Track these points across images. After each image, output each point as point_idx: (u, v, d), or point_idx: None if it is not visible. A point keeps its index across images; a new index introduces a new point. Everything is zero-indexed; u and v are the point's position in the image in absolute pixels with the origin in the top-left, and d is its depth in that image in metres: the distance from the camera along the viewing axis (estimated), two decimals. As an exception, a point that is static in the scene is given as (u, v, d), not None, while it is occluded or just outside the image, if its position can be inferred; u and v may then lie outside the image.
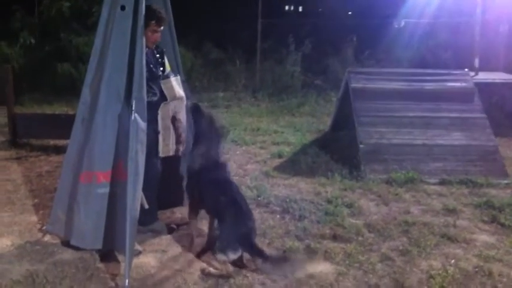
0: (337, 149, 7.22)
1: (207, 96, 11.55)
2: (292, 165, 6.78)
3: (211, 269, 3.96)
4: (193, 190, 4.34)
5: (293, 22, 16.89)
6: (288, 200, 5.43)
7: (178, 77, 4.69)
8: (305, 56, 13.05)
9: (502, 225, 4.95)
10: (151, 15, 4.16)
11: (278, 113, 10.37)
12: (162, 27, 4.37)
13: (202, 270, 3.97)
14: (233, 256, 3.88)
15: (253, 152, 7.50)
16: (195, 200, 4.34)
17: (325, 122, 8.92)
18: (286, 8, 21.81)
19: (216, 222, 4.16)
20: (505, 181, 6.18)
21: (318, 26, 15.28)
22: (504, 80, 9.44)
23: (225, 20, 15.80)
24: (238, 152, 7.42)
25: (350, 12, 18.03)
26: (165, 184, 4.70)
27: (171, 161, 4.71)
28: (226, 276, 3.86)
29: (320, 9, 19.18)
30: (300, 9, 21.43)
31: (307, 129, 8.85)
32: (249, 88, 12.37)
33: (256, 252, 3.90)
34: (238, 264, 4.00)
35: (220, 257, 3.87)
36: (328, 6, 17.91)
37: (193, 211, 4.40)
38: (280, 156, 7.17)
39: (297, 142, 7.89)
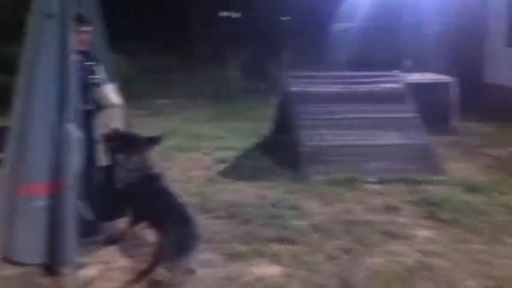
0: (280, 153, 7.27)
1: (146, 104, 11.39)
2: (236, 170, 6.80)
3: (157, 278, 3.89)
4: (129, 202, 4.28)
5: (232, 28, 16.94)
6: (232, 204, 5.44)
7: (114, 85, 4.60)
8: (244, 61, 13.12)
9: (440, 220, 5.14)
10: (75, 17, 4.05)
11: (220, 118, 10.37)
12: (88, 27, 4.27)
13: (149, 280, 3.90)
14: (179, 263, 3.82)
15: (197, 158, 7.46)
16: (132, 212, 4.29)
17: (267, 126, 8.96)
18: (225, 13, 21.86)
19: (159, 231, 4.08)
20: (442, 177, 6.42)
21: (257, 31, 15.40)
22: (434, 80, 9.82)
23: (165, 26, 15.66)
24: (181, 159, 7.35)
25: (288, 18, 18.26)
26: (110, 194, 4.60)
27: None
28: (174, 285, 3.81)
29: (259, 15, 19.33)
30: (239, 15, 21.53)
31: (249, 133, 8.88)
32: (189, 94, 12.29)
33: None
34: (186, 271, 3.95)
35: (168, 264, 3.81)
36: (266, 12, 18.08)
37: (133, 223, 4.34)
38: (223, 161, 7.16)
39: (240, 147, 7.91)
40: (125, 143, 4.31)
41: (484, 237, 4.77)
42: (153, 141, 4.44)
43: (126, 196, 4.30)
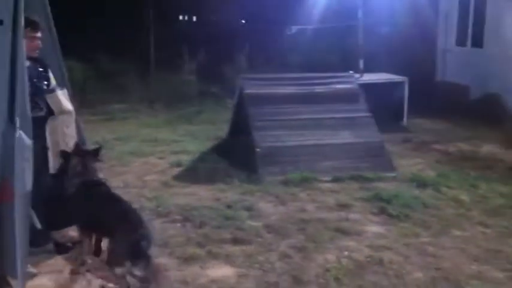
0: (236, 155, 7.31)
1: (102, 109, 11.25)
2: (192, 173, 6.80)
3: (110, 285, 3.89)
4: (78, 211, 4.27)
5: (187, 31, 16.92)
6: (188, 208, 5.45)
7: (65, 90, 4.57)
8: (200, 65, 13.12)
9: (390, 215, 5.31)
10: (25, 22, 4.00)
11: (176, 122, 10.33)
12: (39, 33, 4.23)
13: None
14: (131, 267, 3.77)
15: (152, 162, 7.42)
16: (82, 220, 4.28)
17: (223, 129, 8.99)
18: (180, 17, 21.79)
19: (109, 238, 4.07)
20: (392, 174, 6.61)
21: (212, 35, 15.43)
22: (387, 80, 10.07)
23: (118, 31, 15.49)
24: (136, 164, 7.31)
25: (243, 21, 18.36)
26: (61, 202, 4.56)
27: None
28: None
29: (214, 18, 19.37)
30: (194, 18, 21.51)
31: (205, 137, 8.90)
32: (145, 99, 12.19)
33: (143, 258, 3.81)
34: (139, 276, 3.95)
35: (118, 270, 3.80)
36: (221, 15, 18.14)
37: (85, 231, 4.32)
38: (179, 165, 7.16)
39: (196, 150, 7.92)
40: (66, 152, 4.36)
41: (432, 231, 4.96)
42: (95, 151, 4.48)
43: (70, 205, 4.30)
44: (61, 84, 4.62)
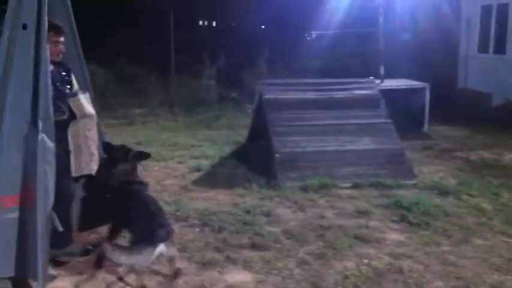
0: (254, 160, 7.31)
1: (122, 113, 11.37)
2: (211, 178, 6.81)
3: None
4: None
5: (207, 36, 17.01)
6: (206, 212, 5.45)
7: (87, 94, 4.61)
8: (220, 70, 13.17)
9: (410, 223, 5.24)
10: (49, 27, 4.05)
11: (195, 127, 10.38)
12: (62, 38, 4.28)
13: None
14: (150, 255, 3.82)
15: (171, 167, 7.46)
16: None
17: (242, 134, 9.02)
18: (200, 23, 21.93)
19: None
20: (412, 182, 6.54)
21: (232, 40, 15.51)
22: (408, 86, 9.99)
23: (139, 36, 15.65)
24: (156, 168, 7.34)
25: (263, 26, 18.41)
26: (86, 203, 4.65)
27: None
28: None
29: (233, 24, 19.46)
30: (214, 24, 21.62)
31: (224, 141, 8.92)
32: (165, 103, 12.29)
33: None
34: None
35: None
36: (241, 21, 18.21)
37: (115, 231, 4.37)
38: (198, 170, 7.18)
39: (215, 155, 7.94)
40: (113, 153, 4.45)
41: (453, 239, 4.88)
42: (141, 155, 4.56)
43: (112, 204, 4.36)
44: (83, 88, 4.66)
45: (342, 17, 13.67)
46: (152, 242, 3.80)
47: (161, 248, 3.83)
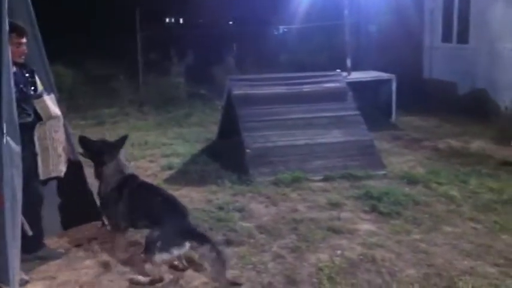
0: (226, 156, 7.31)
1: (92, 114, 11.20)
2: (183, 176, 6.78)
3: (140, 277, 3.99)
4: (114, 205, 4.36)
5: (175, 34, 16.90)
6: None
7: (53, 95, 4.54)
8: (188, 67, 13.10)
9: (381, 213, 5.32)
10: (11, 28, 3.96)
11: (166, 125, 10.31)
12: (24, 39, 4.21)
13: (131, 280, 3.98)
14: (176, 251, 3.92)
15: (143, 166, 7.39)
16: (117, 214, 4.37)
17: (213, 131, 9.00)
18: (167, 20, 21.74)
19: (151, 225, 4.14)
20: (382, 172, 6.63)
21: (200, 37, 15.43)
22: (374, 78, 10.10)
23: (105, 35, 15.45)
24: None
25: (230, 22, 18.37)
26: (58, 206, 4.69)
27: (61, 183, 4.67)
28: (158, 281, 3.93)
29: (201, 20, 19.36)
30: (181, 21, 21.46)
31: (195, 139, 8.88)
32: (135, 102, 12.16)
33: (205, 238, 3.98)
34: (172, 265, 4.11)
35: (159, 256, 3.88)
36: (208, 17, 18.14)
37: (117, 226, 4.44)
38: (170, 168, 7.14)
39: (186, 152, 7.90)
40: (98, 151, 4.50)
41: (423, 227, 4.98)
42: (121, 143, 4.61)
43: (109, 202, 4.40)
44: (48, 90, 4.59)
45: (308, 11, 13.73)
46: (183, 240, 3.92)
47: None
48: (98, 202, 4.71)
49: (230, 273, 3.97)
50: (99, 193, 4.57)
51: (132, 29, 13.09)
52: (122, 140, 4.63)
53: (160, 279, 3.96)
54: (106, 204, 4.49)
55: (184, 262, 4.18)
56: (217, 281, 3.86)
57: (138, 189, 4.42)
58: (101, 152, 4.50)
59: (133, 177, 4.55)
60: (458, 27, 11.62)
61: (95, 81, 13.62)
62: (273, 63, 13.53)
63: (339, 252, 4.45)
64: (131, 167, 5.05)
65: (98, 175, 4.54)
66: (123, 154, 4.63)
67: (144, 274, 4.07)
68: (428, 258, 4.34)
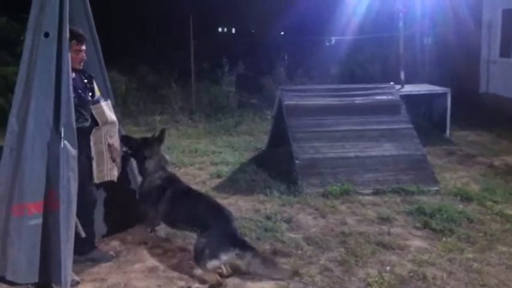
0: (275, 166, 7.30)
1: (143, 120, 11.44)
2: (231, 184, 6.80)
3: (196, 285, 4.05)
4: (154, 203, 4.48)
5: (226, 43, 17.08)
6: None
7: (109, 102, 4.66)
8: (239, 76, 13.19)
9: (433, 230, 5.18)
10: (71, 35, 4.08)
11: (215, 133, 10.40)
12: (84, 46, 4.33)
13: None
14: (225, 257, 3.97)
15: (192, 173, 7.47)
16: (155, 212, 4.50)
17: (262, 140, 9.01)
18: (220, 29, 22.03)
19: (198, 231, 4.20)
20: (435, 188, 6.45)
21: (251, 46, 15.54)
22: (429, 91, 9.88)
23: (159, 43, 15.76)
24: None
25: (282, 32, 18.42)
26: (107, 210, 4.77)
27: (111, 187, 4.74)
28: (218, 285, 3.99)
29: (253, 30, 19.51)
30: (233, 30, 21.69)
31: (244, 148, 8.91)
32: (186, 110, 12.33)
33: (247, 246, 4.05)
34: (219, 272, 4.13)
35: (211, 263, 3.95)
36: (260, 27, 18.25)
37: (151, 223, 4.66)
38: (219, 176, 7.18)
39: (235, 161, 7.93)
40: (139, 146, 4.67)
41: (477, 246, 4.81)
42: (160, 137, 4.74)
43: (150, 199, 4.53)
44: (105, 96, 4.71)
45: (360, 22, 13.62)
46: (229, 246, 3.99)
47: None
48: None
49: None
50: (140, 188, 4.67)
51: (186, 37, 13.30)
52: (161, 135, 4.75)
53: (219, 284, 4.00)
54: (145, 200, 4.59)
55: (228, 268, 4.19)
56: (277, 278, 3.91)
57: (181, 192, 4.51)
58: (141, 148, 4.64)
59: (176, 180, 4.67)
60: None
61: (148, 88, 13.89)
62: (323, 74, 13.45)
63: (388, 268, 4.36)
64: (170, 162, 5.19)
65: (141, 171, 4.66)
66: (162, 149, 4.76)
67: (196, 280, 4.13)
68: (482, 278, 4.19)
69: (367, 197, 6.20)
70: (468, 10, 12.70)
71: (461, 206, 5.83)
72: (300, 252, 4.69)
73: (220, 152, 8.63)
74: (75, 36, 4.22)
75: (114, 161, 4.60)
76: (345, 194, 6.22)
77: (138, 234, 5.09)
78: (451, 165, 7.74)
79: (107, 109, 4.58)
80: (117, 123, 4.67)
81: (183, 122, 11.56)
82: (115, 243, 4.91)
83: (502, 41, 11.87)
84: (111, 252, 4.66)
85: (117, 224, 5.07)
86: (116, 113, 4.75)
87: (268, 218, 5.51)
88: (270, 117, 8.79)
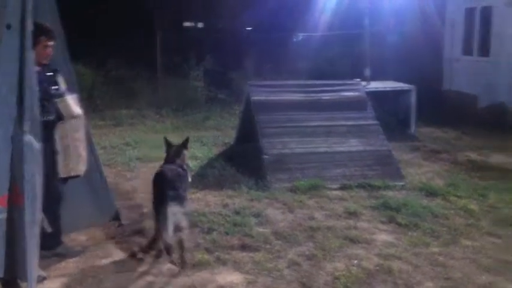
0: (243, 161, 7.29)
1: (110, 114, 11.29)
2: (200, 179, 6.77)
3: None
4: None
5: (194, 37, 16.95)
6: (196, 214, 5.43)
7: (75, 95, 4.57)
8: (207, 71, 13.13)
9: (399, 224, 5.27)
10: (41, 30, 4.01)
11: (183, 128, 10.34)
12: (52, 42, 4.25)
13: None
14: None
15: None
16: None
17: (231, 135, 9.00)
18: (188, 24, 21.81)
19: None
20: (400, 183, 6.57)
21: (219, 41, 15.46)
22: (394, 88, 10.04)
23: (126, 36, 15.49)
24: (144, 170, 7.28)
25: (250, 28, 18.38)
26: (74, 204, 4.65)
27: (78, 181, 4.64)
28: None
29: (221, 25, 19.39)
30: (200, 25, 21.52)
31: (213, 143, 8.89)
32: (153, 104, 12.21)
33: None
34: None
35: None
36: (228, 22, 18.16)
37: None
38: (187, 171, 7.13)
39: (204, 156, 7.90)
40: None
41: (441, 240, 4.92)
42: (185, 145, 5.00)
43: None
44: (71, 89, 4.62)
45: (328, 19, 13.71)
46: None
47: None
48: None
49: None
50: None
51: (153, 31, 13.17)
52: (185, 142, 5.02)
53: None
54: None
55: None
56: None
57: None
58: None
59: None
60: (479, 40, 11.53)
61: (115, 82, 13.68)
62: (291, 70, 13.50)
63: (355, 262, 4.42)
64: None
65: None
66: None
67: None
68: (446, 271, 4.28)
69: (334, 192, 6.27)
70: (433, 8, 12.93)
71: (426, 201, 5.97)
72: (268, 246, 4.70)
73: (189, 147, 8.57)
74: (45, 32, 4.14)
75: (80, 155, 4.52)
76: (313, 189, 6.27)
77: (105, 229, 5.03)
78: (416, 161, 7.90)
79: (73, 103, 4.49)
80: (83, 117, 4.58)
81: (150, 116, 11.45)
82: (82, 238, 4.84)
83: (465, 39, 12.12)
84: (78, 248, 4.59)
85: (87, 220, 4.99)
86: (80, 107, 4.66)
87: (236, 212, 5.51)
88: (238, 112, 8.78)
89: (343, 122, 7.33)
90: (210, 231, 5.02)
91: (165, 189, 4.21)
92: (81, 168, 4.56)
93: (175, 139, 9.03)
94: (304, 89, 7.94)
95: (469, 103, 11.07)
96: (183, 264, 4.22)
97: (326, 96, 7.75)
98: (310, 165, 6.70)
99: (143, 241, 4.73)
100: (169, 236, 4.04)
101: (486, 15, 11.26)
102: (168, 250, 4.14)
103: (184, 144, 4.98)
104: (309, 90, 7.90)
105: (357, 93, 7.96)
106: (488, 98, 10.62)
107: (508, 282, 4.12)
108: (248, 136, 7.95)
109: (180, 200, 4.18)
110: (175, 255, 4.24)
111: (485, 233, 5.11)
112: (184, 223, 4.18)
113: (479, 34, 11.55)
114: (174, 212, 4.05)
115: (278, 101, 7.52)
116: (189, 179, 4.88)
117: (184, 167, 4.83)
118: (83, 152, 4.54)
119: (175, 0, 16.40)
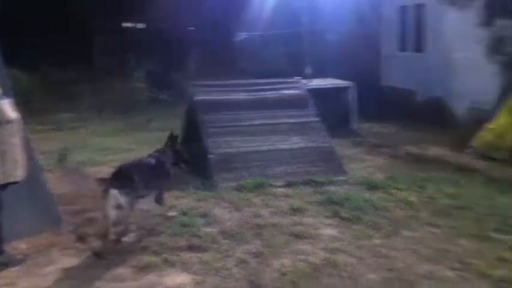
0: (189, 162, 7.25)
1: (50, 119, 10.98)
2: (146, 182, 6.69)
3: None
4: None
5: (135, 38, 16.73)
6: (143, 215, 5.37)
7: (10, 100, 4.43)
8: (149, 72, 12.98)
9: (343, 218, 5.40)
10: None
11: (127, 130, 10.20)
12: None
13: None
14: None
15: (104, 172, 7.22)
16: None
17: (175, 136, 8.92)
18: (128, 25, 21.46)
19: None
20: (343, 178, 6.73)
21: (160, 42, 15.33)
22: (334, 85, 10.23)
23: (67, 39, 15.12)
24: (88, 174, 7.15)
25: (192, 28, 18.31)
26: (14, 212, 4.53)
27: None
28: None
29: (161, 26, 19.20)
30: (141, 25, 21.24)
31: (157, 144, 8.74)
32: (94, 108, 11.97)
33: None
34: None
35: None
36: (169, 23, 18.01)
37: None
38: (132, 173, 7.03)
39: (148, 158, 7.79)
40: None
41: (383, 232, 5.07)
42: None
43: None
44: (5, 94, 4.48)
45: (269, 19, 13.84)
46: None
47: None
48: None
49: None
50: None
51: (92, 33, 12.90)
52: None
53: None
54: None
55: None
56: None
57: None
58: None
59: None
60: (414, 37, 11.91)
61: (52, 85, 13.32)
62: (232, 69, 13.56)
63: (302, 257, 4.49)
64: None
65: None
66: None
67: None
68: (389, 262, 4.42)
69: (279, 189, 6.35)
70: (369, 7, 13.25)
71: (367, 194, 6.13)
72: (216, 246, 4.72)
73: (133, 150, 8.45)
74: None
75: (17, 161, 4.38)
76: (259, 187, 6.33)
77: (48, 236, 4.91)
78: (359, 156, 8.10)
79: (8, 107, 4.36)
80: (19, 121, 4.45)
81: (91, 120, 11.22)
82: (23, 247, 4.70)
83: (400, 36, 12.48)
84: (20, 256, 4.46)
85: (28, 227, 4.85)
86: (16, 111, 4.52)
87: (184, 213, 5.51)
88: (182, 113, 8.72)
89: (285, 120, 7.43)
90: (157, 233, 4.99)
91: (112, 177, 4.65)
92: (19, 174, 4.43)
93: (119, 142, 9.03)
94: (247, 88, 7.99)
95: (407, 98, 11.41)
96: (100, 253, 4.44)
97: (268, 95, 7.84)
98: (255, 164, 6.76)
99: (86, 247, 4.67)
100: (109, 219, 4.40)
101: (419, 12, 11.64)
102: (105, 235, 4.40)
103: (170, 140, 5.75)
104: (251, 89, 7.95)
105: (298, 91, 8.08)
106: (425, 93, 10.99)
107: (448, 270, 4.28)
108: (193, 136, 7.91)
109: (125, 188, 4.54)
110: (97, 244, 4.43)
111: (424, 224, 5.30)
112: (123, 212, 4.48)
113: (414, 31, 11.92)
114: (116, 197, 4.42)
115: (221, 101, 7.54)
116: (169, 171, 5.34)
117: (162, 159, 5.39)
118: (20, 157, 4.41)
119: (114, 2, 16.12)
